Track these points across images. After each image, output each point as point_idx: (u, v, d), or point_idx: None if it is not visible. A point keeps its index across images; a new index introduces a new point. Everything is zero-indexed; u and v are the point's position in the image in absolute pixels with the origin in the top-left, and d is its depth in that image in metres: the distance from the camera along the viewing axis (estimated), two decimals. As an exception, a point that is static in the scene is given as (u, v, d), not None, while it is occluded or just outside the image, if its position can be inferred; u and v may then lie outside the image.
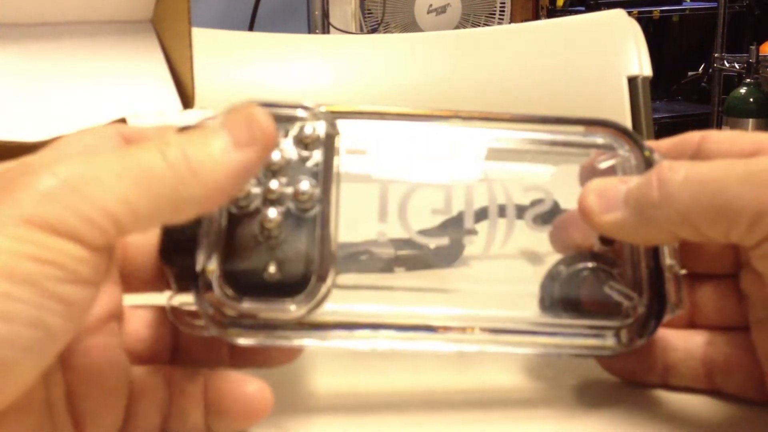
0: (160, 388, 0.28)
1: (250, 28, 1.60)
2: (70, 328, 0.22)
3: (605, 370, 0.32)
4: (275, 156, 0.28)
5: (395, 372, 0.33)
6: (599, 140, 0.31)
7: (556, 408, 0.31)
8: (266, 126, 0.25)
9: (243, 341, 0.28)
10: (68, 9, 0.63)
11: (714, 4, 2.69)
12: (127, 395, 0.27)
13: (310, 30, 1.75)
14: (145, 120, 0.55)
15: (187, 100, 0.63)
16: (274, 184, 0.28)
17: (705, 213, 0.26)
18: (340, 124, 0.30)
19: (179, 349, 0.30)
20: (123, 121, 0.54)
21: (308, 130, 0.29)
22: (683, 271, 0.31)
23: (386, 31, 2.07)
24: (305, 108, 0.29)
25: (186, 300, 0.28)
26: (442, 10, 2.12)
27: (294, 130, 0.29)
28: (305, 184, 0.28)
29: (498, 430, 0.30)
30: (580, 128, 0.32)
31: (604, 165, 0.31)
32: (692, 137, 0.31)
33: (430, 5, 2.12)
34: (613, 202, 0.29)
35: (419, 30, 2.07)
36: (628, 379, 0.31)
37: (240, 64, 0.77)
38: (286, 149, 0.29)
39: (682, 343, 0.31)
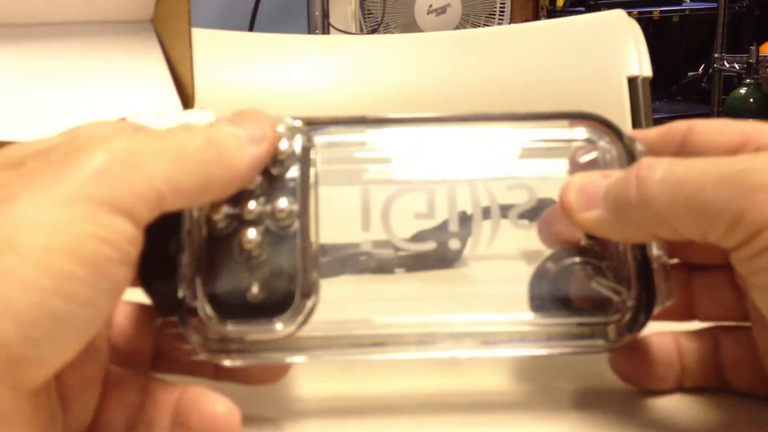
0: (133, 391, 0.27)
1: (250, 29, 1.60)
2: (112, 307, 0.23)
3: (623, 380, 0.31)
4: None
5: (390, 372, 0.32)
6: (580, 133, 0.31)
7: (553, 408, 0.31)
8: (273, 124, 0.28)
9: (231, 363, 0.28)
10: (68, 9, 0.63)
11: (714, 4, 2.69)
12: (101, 389, 0.27)
13: (310, 30, 1.75)
14: (145, 120, 0.55)
15: (187, 100, 0.63)
16: (251, 204, 0.28)
17: (682, 214, 0.26)
18: (317, 134, 0.30)
19: (163, 352, 0.30)
20: (123, 121, 0.54)
21: (283, 146, 0.29)
22: (675, 261, 0.31)
23: (386, 31, 2.07)
24: (280, 122, 0.29)
25: (171, 323, 0.28)
26: (442, 10, 2.12)
27: None
28: (283, 202, 0.28)
29: (496, 430, 0.30)
30: (562, 122, 0.31)
31: (584, 158, 0.31)
32: (679, 126, 0.30)
33: (430, 5, 2.12)
34: (593, 198, 0.28)
35: (419, 30, 2.07)
36: (646, 388, 0.31)
37: (240, 64, 0.77)
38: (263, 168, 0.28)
39: (695, 345, 0.31)
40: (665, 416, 0.30)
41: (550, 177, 0.31)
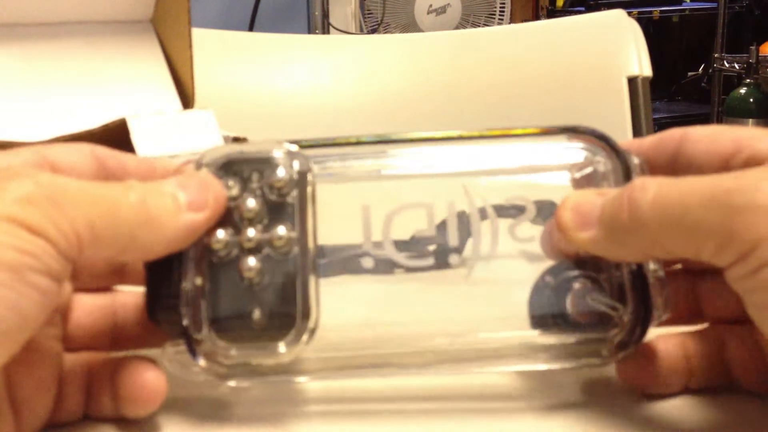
0: (83, 373, 0.28)
1: (250, 29, 1.60)
2: (40, 316, 0.24)
3: (629, 386, 0.31)
4: (250, 203, 0.28)
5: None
6: (577, 148, 0.31)
7: (555, 404, 0.31)
8: (218, 194, 0.28)
9: (239, 384, 0.29)
10: (68, 9, 0.63)
11: (714, 4, 2.69)
12: (58, 383, 0.28)
13: (310, 30, 1.76)
14: (145, 120, 0.55)
15: (187, 100, 0.63)
16: (250, 232, 0.28)
17: (673, 236, 0.26)
18: (315, 156, 0.30)
19: (122, 337, 0.30)
20: (123, 121, 0.54)
21: (280, 173, 0.29)
22: (679, 266, 0.31)
23: (386, 31, 2.08)
24: (277, 147, 0.29)
25: (179, 349, 0.28)
26: (442, 10, 2.13)
27: (267, 174, 0.29)
28: (281, 230, 0.28)
29: (495, 427, 0.30)
30: (560, 137, 0.31)
31: (581, 174, 0.31)
32: (673, 135, 0.31)
33: (430, 5, 2.12)
34: (588, 218, 0.28)
35: (419, 30, 2.07)
36: (653, 393, 0.30)
37: (240, 64, 0.77)
38: (260, 194, 0.29)
39: (701, 346, 0.30)
40: (669, 414, 0.30)
41: (548, 191, 0.31)
